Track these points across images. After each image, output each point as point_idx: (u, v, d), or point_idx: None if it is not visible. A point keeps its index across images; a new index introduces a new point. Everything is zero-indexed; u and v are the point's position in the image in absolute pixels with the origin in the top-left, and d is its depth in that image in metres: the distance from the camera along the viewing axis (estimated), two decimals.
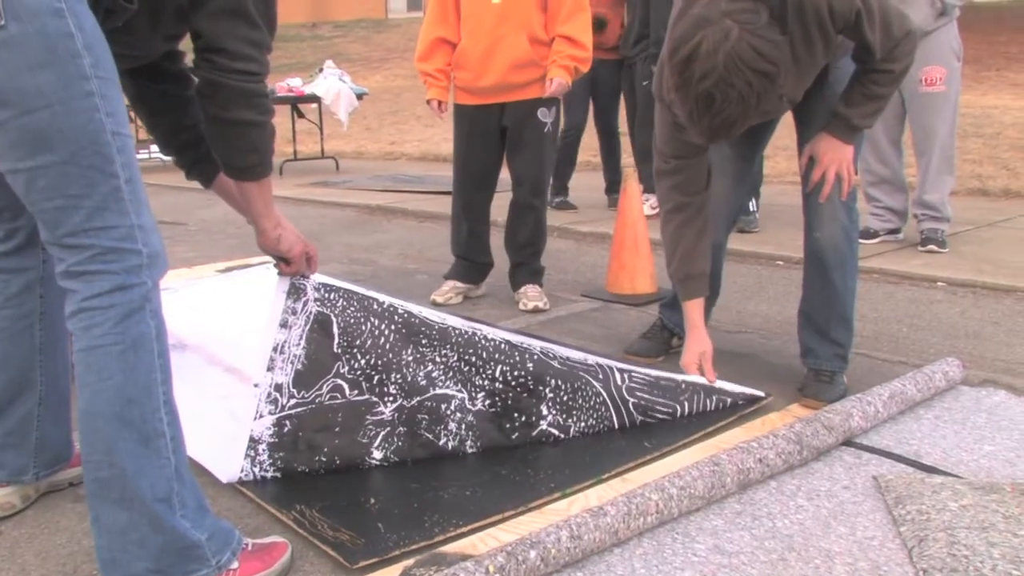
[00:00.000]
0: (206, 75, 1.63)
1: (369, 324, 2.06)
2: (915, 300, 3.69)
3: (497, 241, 3.76)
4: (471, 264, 3.74)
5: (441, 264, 4.14)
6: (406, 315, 2.12)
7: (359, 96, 9.36)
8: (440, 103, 3.53)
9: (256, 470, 1.99)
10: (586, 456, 2.12)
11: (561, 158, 5.94)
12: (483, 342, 2.18)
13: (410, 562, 1.63)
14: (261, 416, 1.99)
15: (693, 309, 2.53)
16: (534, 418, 2.20)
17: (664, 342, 2.94)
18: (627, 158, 6.34)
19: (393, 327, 2.09)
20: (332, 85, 9.06)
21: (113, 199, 1.44)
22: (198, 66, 1.64)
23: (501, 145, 3.56)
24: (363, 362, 2.06)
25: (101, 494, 1.46)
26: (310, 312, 2.02)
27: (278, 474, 2.01)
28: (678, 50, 1.96)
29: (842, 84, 2.35)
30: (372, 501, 1.89)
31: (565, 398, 2.23)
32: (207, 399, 2.48)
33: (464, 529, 1.77)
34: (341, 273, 4.33)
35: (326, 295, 2.05)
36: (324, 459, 2.03)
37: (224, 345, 2.93)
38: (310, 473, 2.03)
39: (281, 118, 12.09)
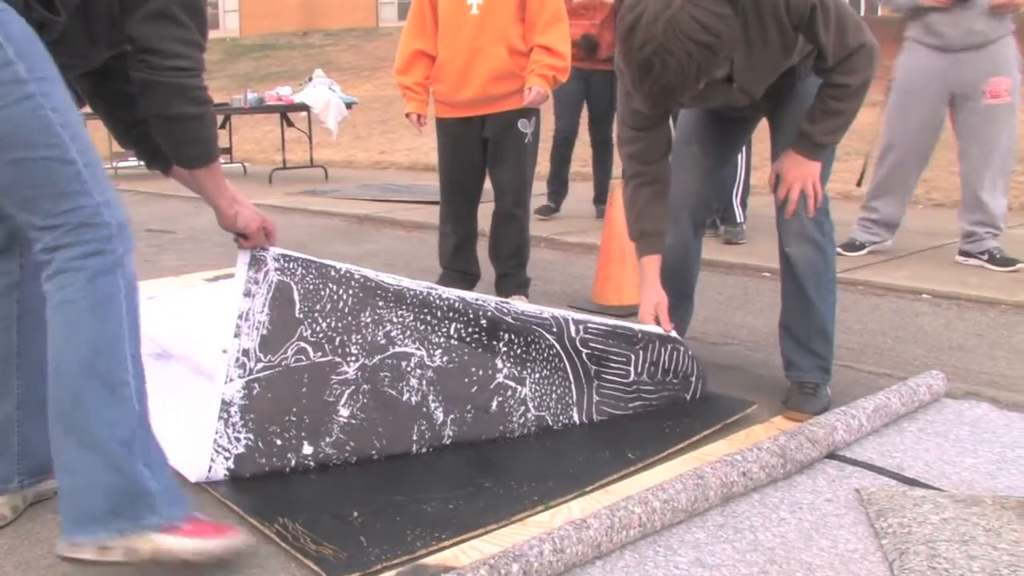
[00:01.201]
0: (142, 75, 1.71)
1: (328, 290, 2.15)
2: (900, 312, 3.71)
3: (482, 252, 3.77)
4: (458, 275, 3.75)
5: (429, 274, 4.13)
6: (362, 280, 2.19)
7: (348, 105, 9.37)
8: (419, 116, 3.55)
9: (230, 431, 2.05)
10: (570, 468, 2.12)
11: (555, 163, 6.01)
12: (437, 301, 2.26)
13: (391, 574, 1.63)
14: (231, 380, 2.06)
15: (647, 265, 2.56)
16: (490, 371, 2.30)
17: None
18: (615, 169, 6.37)
19: (351, 291, 2.17)
20: (321, 94, 9.08)
21: (76, 182, 1.57)
22: (135, 69, 1.72)
23: (484, 156, 3.57)
24: (324, 325, 2.14)
25: (66, 436, 1.56)
26: (271, 281, 2.11)
27: (251, 436, 2.06)
28: (624, 19, 2.02)
29: (812, 99, 2.37)
30: (355, 514, 1.89)
31: (519, 351, 2.33)
32: (191, 409, 2.47)
33: (447, 543, 1.76)
34: None
35: (285, 264, 2.13)
36: (294, 419, 2.10)
37: (210, 355, 2.91)
38: (281, 434, 2.08)
39: (270, 126, 12.14)
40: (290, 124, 9.56)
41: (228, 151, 10.34)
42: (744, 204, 5.10)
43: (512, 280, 3.68)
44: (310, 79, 9.46)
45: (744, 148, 4.82)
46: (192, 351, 2.98)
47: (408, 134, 11.97)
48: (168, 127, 1.79)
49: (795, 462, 2.07)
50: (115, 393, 1.58)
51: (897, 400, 2.39)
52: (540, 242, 5.22)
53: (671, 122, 2.59)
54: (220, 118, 9.91)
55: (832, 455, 2.18)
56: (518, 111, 3.44)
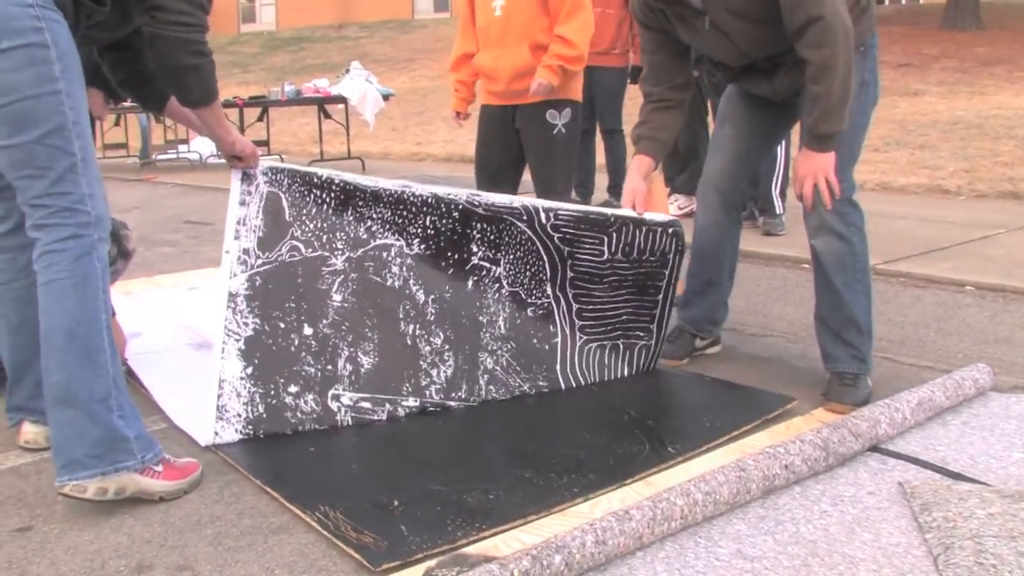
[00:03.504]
0: (150, 29, 2.00)
1: (312, 195, 2.38)
2: (942, 304, 3.65)
3: None
4: None
5: None
6: (342, 184, 2.40)
7: (385, 97, 9.39)
8: (458, 113, 3.72)
9: (238, 318, 2.28)
10: (609, 460, 2.12)
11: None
12: (411, 198, 2.47)
13: (432, 563, 1.63)
14: (235, 275, 2.29)
15: (635, 162, 2.74)
16: (465, 255, 2.53)
17: (687, 343, 2.93)
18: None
19: (332, 195, 2.40)
20: (358, 86, 9.09)
21: (70, 172, 1.88)
22: (146, 24, 2.01)
23: (517, 145, 3.60)
24: (312, 226, 2.38)
25: (54, 396, 1.86)
26: (262, 192, 2.33)
27: (257, 321, 2.29)
28: None
29: None
30: (395, 503, 1.90)
31: (492, 237, 2.54)
32: None
33: (487, 533, 1.77)
34: None
35: (273, 176, 2.35)
36: (293, 305, 2.34)
37: None
38: (284, 318, 2.32)
39: (308, 119, 12.20)
40: (327, 116, 9.60)
41: (266, 143, 10.42)
42: (783, 195, 5.04)
43: None
44: (347, 71, 9.48)
45: (784, 140, 4.77)
46: None
47: (445, 126, 11.98)
48: (172, 75, 2.08)
49: (838, 455, 2.04)
50: (92, 358, 1.87)
51: (942, 394, 2.35)
52: None
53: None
54: (258, 110, 9.99)
55: (874, 448, 2.16)
56: (547, 102, 3.45)
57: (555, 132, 3.50)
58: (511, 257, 2.56)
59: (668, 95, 2.69)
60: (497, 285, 2.56)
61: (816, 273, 2.57)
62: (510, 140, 3.58)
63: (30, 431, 2.22)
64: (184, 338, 3.17)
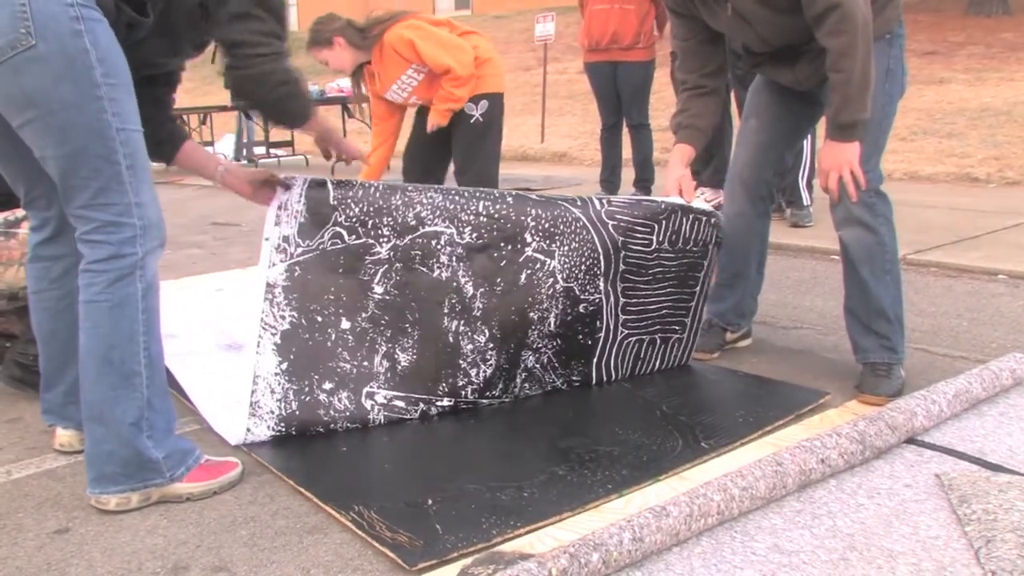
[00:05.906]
0: (234, 73, 1.96)
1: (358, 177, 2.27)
2: (975, 293, 3.61)
3: None
4: None
5: None
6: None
7: None
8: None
9: (275, 311, 2.23)
10: (643, 455, 2.11)
11: (602, 152, 6.28)
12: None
13: (468, 561, 1.63)
14: (273, 264, 2.22)
15: (676, 150, 2.72)
16: (519, 245, 2.41)
17: (717, 337, 2.92)
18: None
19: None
20: None
21: (115, 181, 1.82)
22: (228, 69, 1.97)
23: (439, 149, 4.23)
24: (357, 210, 2.28)
25: (87, 413, 1.89)
26: (306, 176, 2.28)
27: (294, 314, 2.23)
28: None
29: None
30: (429, 502, 1.90)
31: (546, 225, 2.43)
32: None
33: (522, 530, 1.77)
34: None
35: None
36: (332, 297, 2.27)
37: None
38: (321, 311, 2.25)
39: (331, 118, 12.13)
40: (350, 115, 9.64)
41: (290, 144, 10.47)
42: (811, 187, 5.01)
43: None
44: None
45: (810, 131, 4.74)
46: None
47: None
48: (268, 110, 2.10)
49: (874, 448, 2.02)
50: (127, 381, 1.87)
51: (979, 385, 2.32)
52: None
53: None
54: None
55: (910, 440, 2.13)
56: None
57: (472, 121, 4.03)
58: (565, 248, 2.44)
59: (702, 82, 2.68)
60: (551, 280, 2.44)
61: (844, 265, 2.55)
62: (438, 140, 4.16)
63: (64, 435, 2.23)
64: (213, 340, 3.19)
